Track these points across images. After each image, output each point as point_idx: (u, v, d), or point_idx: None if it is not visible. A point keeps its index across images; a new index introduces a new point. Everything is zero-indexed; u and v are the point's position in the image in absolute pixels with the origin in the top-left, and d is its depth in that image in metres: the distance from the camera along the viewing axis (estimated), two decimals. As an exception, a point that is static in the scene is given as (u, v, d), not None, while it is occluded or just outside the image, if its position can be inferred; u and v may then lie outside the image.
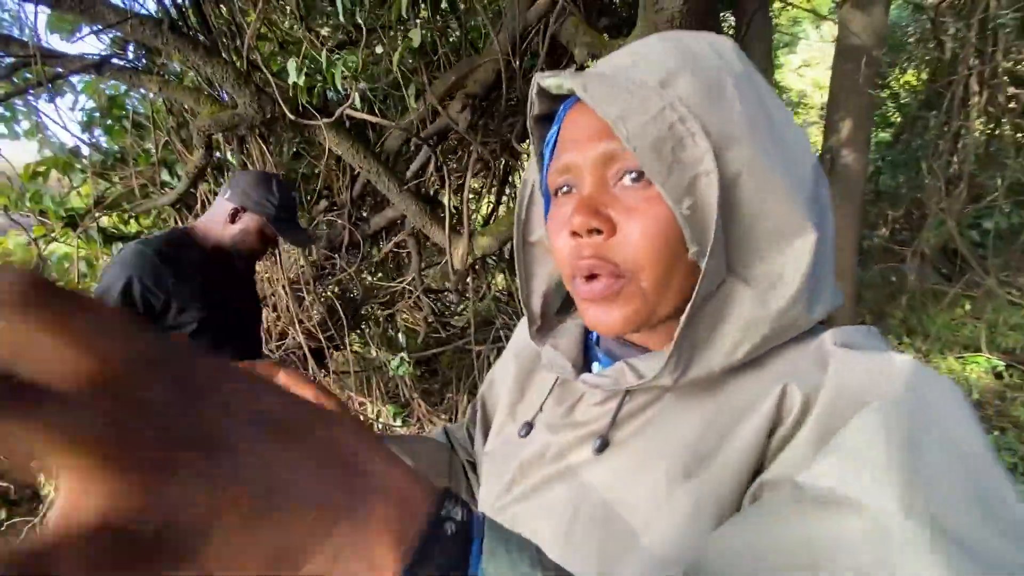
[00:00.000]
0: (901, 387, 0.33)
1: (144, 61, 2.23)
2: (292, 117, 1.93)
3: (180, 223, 2.50)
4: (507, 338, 1.59)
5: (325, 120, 1.90)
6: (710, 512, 0.38)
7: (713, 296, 0.41)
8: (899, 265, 5.08)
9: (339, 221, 2.59)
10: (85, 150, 2.37)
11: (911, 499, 0.26)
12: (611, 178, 0.42)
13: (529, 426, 0.55)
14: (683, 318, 0.40)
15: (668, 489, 0.40)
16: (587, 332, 0.55)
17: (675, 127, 0.38)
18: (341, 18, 1.64)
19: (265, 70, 1.97)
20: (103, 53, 2.12)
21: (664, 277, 0.41)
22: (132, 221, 2.64)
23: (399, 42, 1.92)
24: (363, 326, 3.08)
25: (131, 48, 2.22)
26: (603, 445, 0.46)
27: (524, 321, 0.63)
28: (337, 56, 1.74)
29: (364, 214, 2.70)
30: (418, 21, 1.90)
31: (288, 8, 1.85)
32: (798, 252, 0.40)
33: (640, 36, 2.02)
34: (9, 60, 2.03)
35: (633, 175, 0.41)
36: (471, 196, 2.51)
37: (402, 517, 0.21)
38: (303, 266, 2.51)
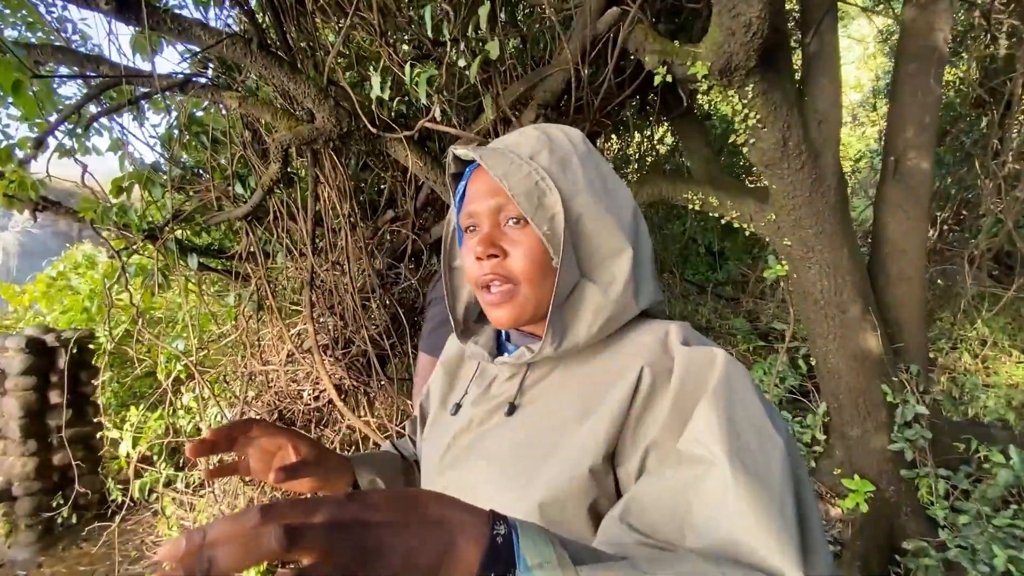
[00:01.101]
0: (719, 377, 0.53)
1: (223, 78, 2.29)
2: (373, 130, 1.97)
3: (251, 234, 2.55)
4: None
5: (406, 133, 1.94)
6: (592, 446, 0.55)
7: (574, 292, 0.62)
8: (948, 266, 4.96)
9: (403, 231, 2.63)
10: (162, 164, 2.44)
11: (731, 453, 0.46)
12: (501, 221, 0.63)
13: (458, 406, 0.73)
14: (551, 306, 0.60)
15: (565, 430, 0.58)
16: (499, 332, 0.74)
17: (539, 183, 0.61)
18: (429, 32, 1.67)
19: (345, 84, 2.02)
20: (186, 72, 2.19)
21: (539, 282, 0.62)
22: (203, 233, 2.72)
23: (474, 54, 1.95)
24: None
25: (211, 66, 2.29)
26: (511, 409, 0.65)
27: (450, 339, 0.86)
28: (419, 70, 1.77)
29: (426, 224, 2.73)
30: (494, 33, 1.93)
31: (370, 23, 1.89)
32: (622, 262, 0.62)
33: (715, 40, 2.03)
34: (99, 79, 2.10)
35: (515, 219, 0.62)
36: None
37: (473, 540, 0.35)
38: (369, 275, 2.55)
